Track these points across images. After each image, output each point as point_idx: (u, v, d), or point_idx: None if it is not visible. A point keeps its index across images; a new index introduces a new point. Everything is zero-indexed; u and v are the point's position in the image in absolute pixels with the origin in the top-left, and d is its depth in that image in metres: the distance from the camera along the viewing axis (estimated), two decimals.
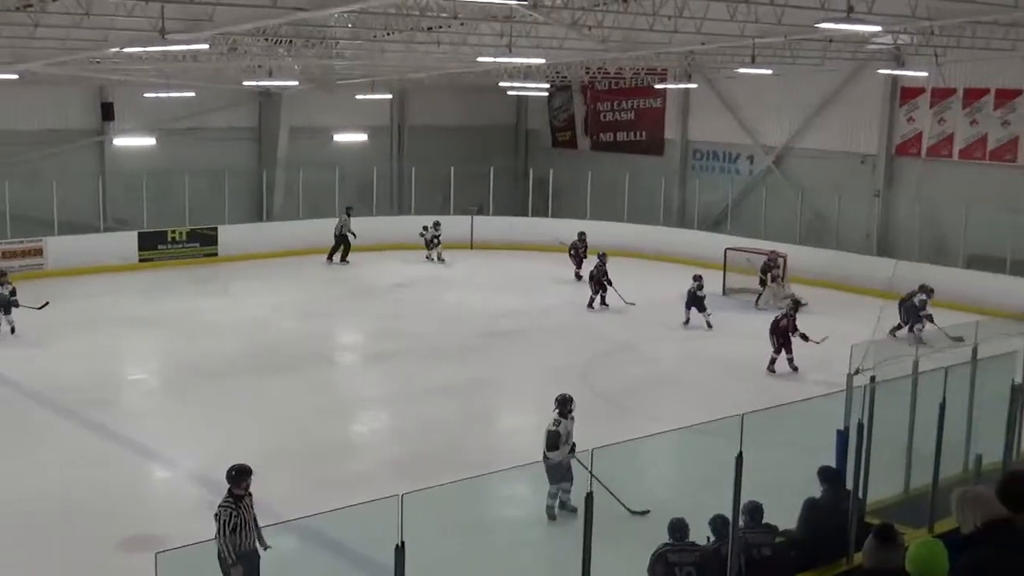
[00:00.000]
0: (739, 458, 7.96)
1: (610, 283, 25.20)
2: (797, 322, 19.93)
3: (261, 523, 10.04)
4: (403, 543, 6.58)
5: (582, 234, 29.48)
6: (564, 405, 12.81)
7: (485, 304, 25.67)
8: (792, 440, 10.31)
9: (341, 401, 18.64)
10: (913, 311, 22.17)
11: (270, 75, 27.23)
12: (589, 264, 26.90)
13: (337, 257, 30.94)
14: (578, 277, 28.54)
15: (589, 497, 7.37)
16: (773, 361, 19.99)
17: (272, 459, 15.07)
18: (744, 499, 8.55)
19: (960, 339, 13.67)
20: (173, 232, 30.18)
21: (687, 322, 23.62)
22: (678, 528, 9.33)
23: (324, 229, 31.65)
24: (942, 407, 9.56)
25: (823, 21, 15.08)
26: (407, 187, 34.98)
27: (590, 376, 19.92)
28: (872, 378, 9.68)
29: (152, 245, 29.84)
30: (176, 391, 19.04)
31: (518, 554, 11.40)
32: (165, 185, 30.49)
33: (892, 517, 9.26)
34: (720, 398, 17.04)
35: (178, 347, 21.65)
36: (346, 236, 31.04)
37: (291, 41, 22.11)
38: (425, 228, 31.27)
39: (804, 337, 19.64)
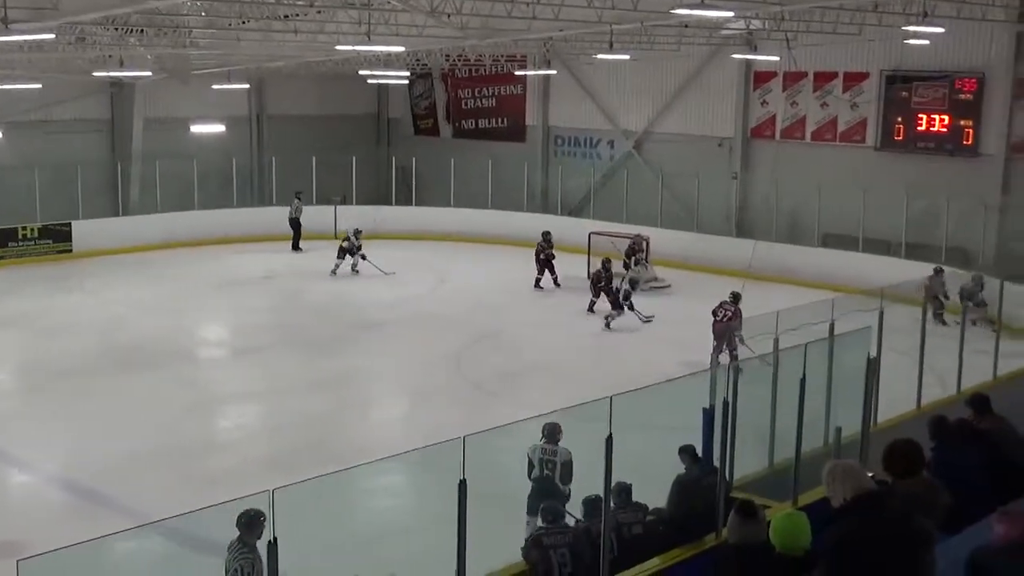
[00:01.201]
0: (609, 440, 8.05)
1: (614, 291, 23.12)
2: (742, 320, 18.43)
3: (129, 524, 9.78)
4: (275, 539, 6.51)
5: (547, 234, 26.66)
6: (554, 434, 11.31)
7: (353, 295, 25.50)
8: (660, 420, 10.47)
9: (209, 397, 18.30)
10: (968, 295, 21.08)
11: (121, 65, 26.48)
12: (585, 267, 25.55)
13: (303, 245, 31.01)
14: (538, 285, 26.18)
15: (463, 484, 7.38)
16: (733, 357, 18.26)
17: (137, 459, 14.78)
18: (616, 480, 8.67)
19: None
20: (24, 229, 29.12)
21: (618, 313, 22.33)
22: (551, 511, 9.42)
23: (184, 222, 31.12)
24: (802, 383, 9.82)
25: (678, 7, 15.35)
26: (268, 178, 34.50)
27: (461, 364, 19.96)
28: (735, 356, 9.90)
29: (1, 243, 28.77)
30: (34, 392, 18.41)
31: (394, 543, 11.35)
32: (13, 180, 29.40)
33: (758, 491, 9.50)
34: (589, 382, 17.23)
35: (34, 347, 20.94)
36: (298, 220, 31.13)
37: (143, 30, 21.54)
38: (347, 238, 27.96)
39: (740, 339, 17.84)
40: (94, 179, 31.30)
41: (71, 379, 18.67)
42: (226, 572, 8.49)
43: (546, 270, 26.18)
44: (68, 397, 17.77)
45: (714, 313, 19.40)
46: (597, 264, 24.10)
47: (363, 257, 27.53)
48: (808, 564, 5.66)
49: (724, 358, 17.61)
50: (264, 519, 8.07)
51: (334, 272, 27.46)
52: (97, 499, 13.57)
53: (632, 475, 9.44)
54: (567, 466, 11.10)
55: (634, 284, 22.63)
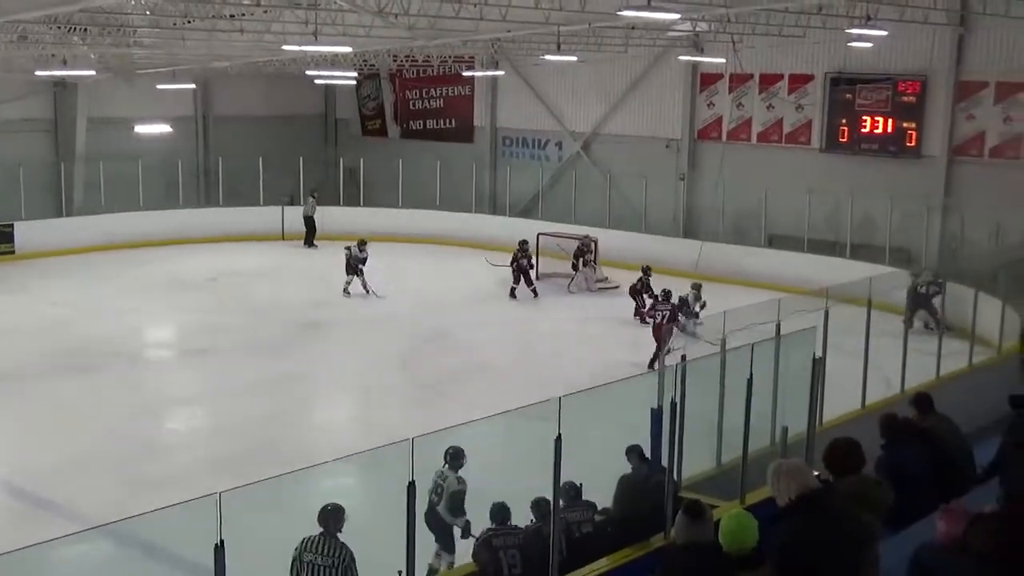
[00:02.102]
0: (558, 440, 8.06)
1: (655, 297, 21.97)
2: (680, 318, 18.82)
3: (74, 529, 9.67)
4: (223, 542, 6.45)
5: (523, 243, 25.79)
6: (456, 459, 10.65)
7: (299, 296, 25.34)
8: (609, 420, 10.51)
9: (154, 400, 18.11)
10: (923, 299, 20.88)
11: (65, 64, 26.17)
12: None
13: (315, 242, 31.35)
14: (513, 295, 25.29)
15: (411, 486, 7.37)
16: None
17: (82, 462, 14.61)
18: (565, 480, 8.68)
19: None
20: None
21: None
22: (500, 512, 9.42)
23: (129, 223, 30.85)
24: (749, 383, 9.89)
25: (624, 9, 15.39)
26: (214, 179, 34.23)
27: (409, 365, 19.92)
28: (683, 356, 9.95)
29: None
30: None
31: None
32: None
33: (706, 491, 9.56)
34: (537, 382, 17.23)
35: None
36: (311, 219, 31.53)
37: (86, 29, 21.30)
38: (349, 248, 25.47)
39: (682, 328, 18.26)
40: (37, 179, 30.89)
41: (14, 382, 18.40)
42: (318, 567, 8.85)
43: (522, 279, 25.46)
44: (11, 400, 17.52)
45: (651, 316, 19.43)
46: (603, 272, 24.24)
47: (359, 273, 25.15)
48: (755, 563, 5.70)
49: (672, 358, 17.73)
50: (343, 511, 8.92)
51: (346, 292, 25.14)
52: (41, 503, 13.40)
53: (582, 475, 9.48)
54: (455, 496, 10.52)
55: (698, 288, 22.06)
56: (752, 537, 5.75)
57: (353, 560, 8.90)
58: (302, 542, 8.98)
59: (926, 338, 15.83)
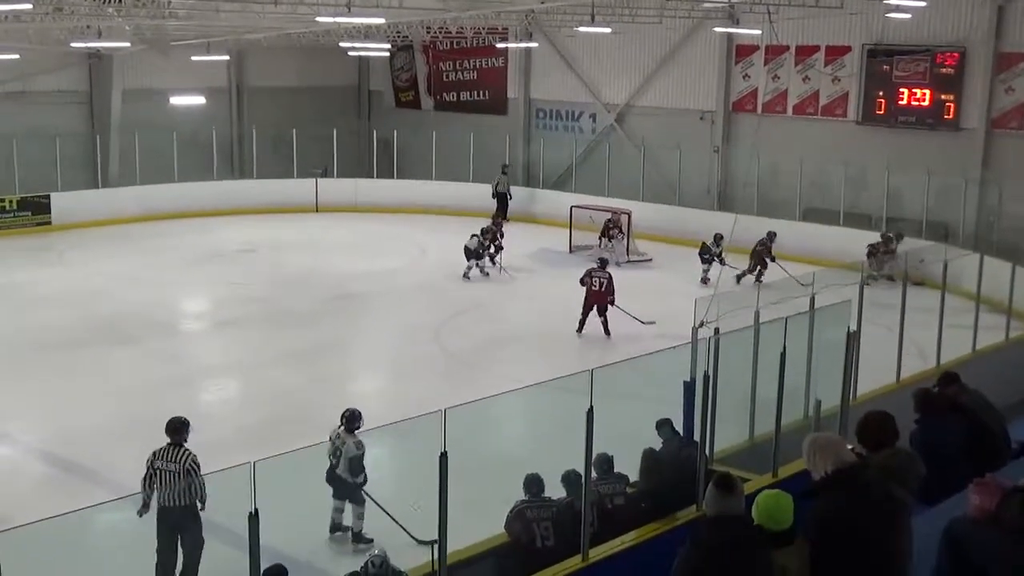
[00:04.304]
0: (590, 412, 8.07)
1: (773, 259, 23.77)
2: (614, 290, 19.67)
3: (109, 497, 9.81)
4: (256, 511, 6.51)
5: (496, 219, 26.76)
6: (352, 421, 11.34)
7: (333, 267, 25.42)
8: (641, 393, 10.49)
9: (189, 370, 18.25)
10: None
11: (100, 36, 26.25)
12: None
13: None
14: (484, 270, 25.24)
15: (443, 456, 7.39)
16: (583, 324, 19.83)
17: (119, 432, 14.74)
18: (597, 452, 8.69)
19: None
20: (2, 201, 29.01)
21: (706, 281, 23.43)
22: (533, 483, 9.44)
23: (163, 194, 31.05)
24: (783, 356, 9.85)
25: None
26: (248, 150, 34.32)
27: (441, 336, 19.96)
28: (716, 329, 9.91)
29: None
30: (12, 365, 18.22)
31: (377, 515, 11.36)
32: None
33: (738, 464, 9.56)
34: (570, 354, 17.26)
35: (12, 320, 20.77)
36: (505, 195, 31.47)
37: (121, 0, 21.35)
38: (477, 236, 24.96)
39: (611, 302, 19.66)
40: (73, 151, 31.11)
41: (50, 352, 18.59)
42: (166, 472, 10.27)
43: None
44: (48, 369, 17.71)
45: (582, 282, 19.89)
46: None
47: (491, 258, 24.91)
48: (788, 539, 5.67)
49: (706, 331, 17.69)
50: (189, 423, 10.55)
51: (467, 276, 24.44)
52: (77, 471, 13.55)
53: (613, 447, 9.48)
54: (355, 460, 11.06)
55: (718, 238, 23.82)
56: (788, 517, 5.72)
57: (196, 464, 10.00)
58: (152, 453, 10.17)
59: (963, 313, 15.64)
